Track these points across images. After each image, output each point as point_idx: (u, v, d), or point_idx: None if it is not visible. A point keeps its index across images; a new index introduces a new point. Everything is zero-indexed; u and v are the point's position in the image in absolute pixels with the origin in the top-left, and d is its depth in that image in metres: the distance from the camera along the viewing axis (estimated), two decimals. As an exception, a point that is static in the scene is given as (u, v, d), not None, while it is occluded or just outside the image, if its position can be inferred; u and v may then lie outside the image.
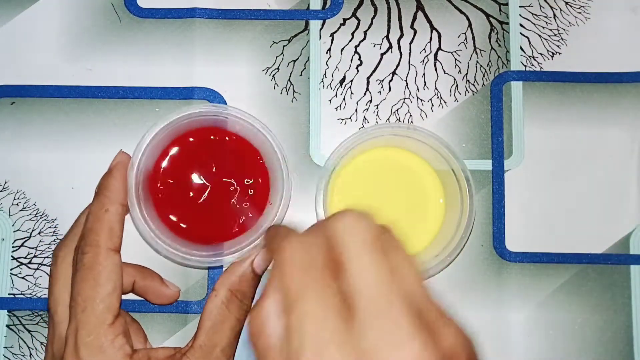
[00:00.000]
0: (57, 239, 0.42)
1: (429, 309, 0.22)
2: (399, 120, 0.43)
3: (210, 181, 0.40)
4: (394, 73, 0.44)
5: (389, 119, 0.43)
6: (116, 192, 0.36)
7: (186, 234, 0.39)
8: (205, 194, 0.40)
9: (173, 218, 0.39)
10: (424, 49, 0.44)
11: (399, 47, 0.44)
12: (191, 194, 0.40)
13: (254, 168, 0.40)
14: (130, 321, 0.38)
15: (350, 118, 0.43)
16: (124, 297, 0.36)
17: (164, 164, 0.40)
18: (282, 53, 0.44)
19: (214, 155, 0.40)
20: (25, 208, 0.42)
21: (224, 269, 0.41)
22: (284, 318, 0.23)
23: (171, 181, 0.40)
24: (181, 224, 0.40)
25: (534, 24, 0.44)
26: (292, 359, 0.22)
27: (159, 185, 0.40)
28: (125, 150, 0.38)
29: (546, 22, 0.44)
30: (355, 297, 0.22)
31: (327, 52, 0.44)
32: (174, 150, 0.40)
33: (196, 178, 0.40)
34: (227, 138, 0.40)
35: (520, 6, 0.44)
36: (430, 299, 0.23)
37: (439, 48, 0.44)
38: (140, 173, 0.38)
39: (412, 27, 0.44)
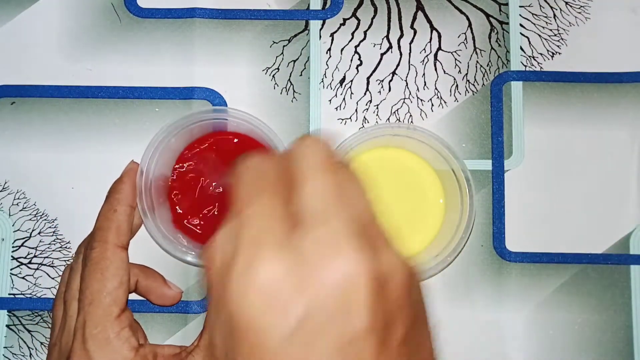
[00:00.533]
0: (57, 239, 0.42)
1: (372, 229, 0.22)
2: (399, 120, 0.43)
3: (223, 184, 0.40)
4: (394, 73, 0.44)
5: (389, 119, 0.43)
6: (124, 194, 0.37)
7: (202, 238, 0.40)
8: (218, 190, 0.40)
9: (189, 223, 0.40)
10: (424, 49, 0.44)
11: (399, 47, 0.44)
12: (204, 197, 0.40)
13: None
14: (133, 317, 0.39)
15: (350, 118, 0.43)
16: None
17: (177, 169, 0.40)
18: (282, 53, 0.44)
19: (225, 158, 0.40)
20: (25, 208, 0.42)
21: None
22: (234, 225, 0.22)
23: (184, 187, 0.40)
24: (197, 229, 0.40)
25: (534, 24, 0.44)
26: (227, 259, 0.21)
27: (172, 191, 0.40)
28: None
29: (546, 22, 0.44)
30: (301, 210, 0.22)
31: (327, 52, 0.44)
32: (185, 156, 0.40)
33: (209, 182, 0.40)
34: (235, 140, 0.40)
35: (520, 6, 0.44)
36: (374, 221, 0.23)
37: (439, 48, 0.44)
38: (152, 180, 0.38)
39: (412, 27, 0.44)
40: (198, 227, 0.39)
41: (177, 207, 0.40)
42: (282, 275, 0.21)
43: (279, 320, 0.21)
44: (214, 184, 0.40)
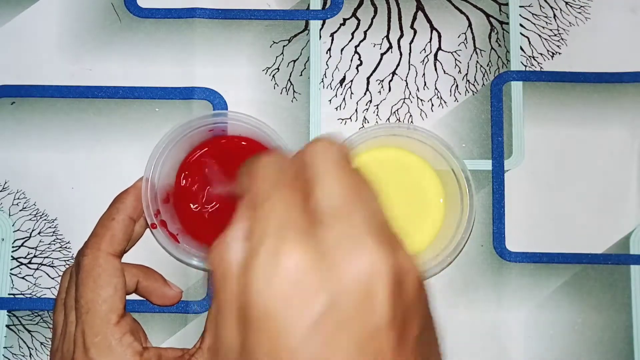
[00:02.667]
0: (57, 239, 0.42)
1: (387, 228, 0.23)
2: (399, 120, 0.43)
3: (227, 189, 0.40)
4: (394, 73, 0.44)
5: (389, 119, 0.43)
6: (125, 204, 0.37)
7: (207, 241, 0.39)
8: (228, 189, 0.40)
9: (194, 228, 0.40)
10: (424, 49, 0.44)
11: (399, 47, 0.44)
12: (211, 203, 0.40)
13: None
14: (133, 320, 0.38)
15: (350, 118, 0.43)
16: (124, 297, 0.36)
17: (181, 176, 0.40)
18: (282, 53, 0.44)
19: (227, 161, 0.40)
20: (25, 208, 0.42)
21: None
22: (249, 221, 0.22)
23: (189, 193, 0.40)
24: (202, 233, 0.40)
25: (534, 24, 0.44)
26: (250, 257, 0.21)
27: (177, 197, 0.40)
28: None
29: (546, 22, 0.44)
30: (320, 207, 0.22)
31: (327, 52, 0.44)
32: (188, 162, 0.40)
33: (213, 187, 0.40)
34: (241, 143, 0.40)
35: (520, 6, 0.44)
36: (389, 222, 0.23)
37: (439, 48, 0.44)
38: (157, 188, 0.38)
39: (412, 27, 0.44)
40: (203, 231, 0.39)
41: (182, 213, 0.40)
42: (306, 266, 0.21)
43: (303, 312, 0.21)
44: (218, 188, 0.40)
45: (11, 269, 0.42)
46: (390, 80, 0.44)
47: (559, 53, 0.44)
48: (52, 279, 0.42)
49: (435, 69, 0.44)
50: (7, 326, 0.41)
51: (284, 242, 0.21)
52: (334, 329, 0.21)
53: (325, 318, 0.21)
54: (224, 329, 0.23)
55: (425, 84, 0.44)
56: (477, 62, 0.44)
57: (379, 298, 0.21)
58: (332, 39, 0.44)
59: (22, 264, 0.42)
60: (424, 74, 0.44)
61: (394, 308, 0.21)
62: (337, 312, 0.21)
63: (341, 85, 0.44)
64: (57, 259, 0.42)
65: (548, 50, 0.44)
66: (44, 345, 0.41)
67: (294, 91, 0.43)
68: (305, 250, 0.21)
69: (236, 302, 0.22)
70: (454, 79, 0.44)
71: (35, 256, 0.42)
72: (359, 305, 0.21)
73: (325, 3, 0.44)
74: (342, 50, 0.44)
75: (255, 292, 0.21)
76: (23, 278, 0.42)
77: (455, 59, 0.44)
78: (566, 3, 0.45)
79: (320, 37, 0.44)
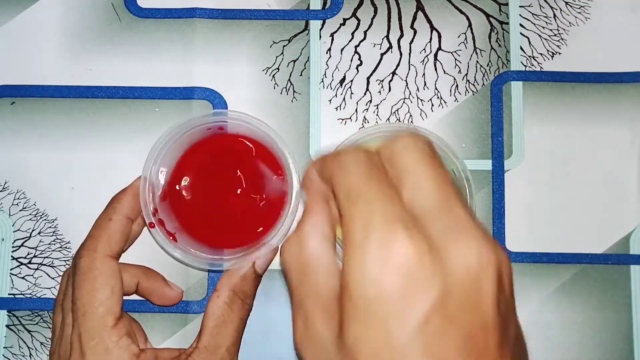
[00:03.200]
0: (57, 239, 0.42)
1: (480, 222, 0.23)
2: (399, 120, 0.43)
3: (231, 188, 0.40)
4: (394, 73, 0.44)
5: (389, 119, 0.43)
6: (122, 204, 0.37)
7: (206, 241, 0.39)
8: (232, 186, 0.40)
9: (193, 227, 0.40)
10: (424, 49, 0.44)
11: (399, 47, 0.44)
12: (211, 202, 0.40)
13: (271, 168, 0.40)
14: (131, 321, 0.38)
15: (350, 118, 0.43)
16: (125, 297, 0.36)
17: (180, 175, 0.40)
18: (282, 53, 0.44)
19: (227, 161, 0.40)
20: (25, 208, 0.42)
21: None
22: (344, 210, 0.22)
23: (188, 192, 0.40)
24: (201, 232, 0.40)
25: (534, 24, 0.44)
26: (354, 248, 0.21)
27: (175, 197, 0.40)
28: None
29: (546, 22, 0.44)
30: (418, 202, 0.22)
31: (327, 52, 0.44)
32: (187, 161, 0.40)
33: (215, 186, 0.40)
34: (247, 143, 0.40)
35: (520, 6, 0.44)
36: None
37: (439, 48, 0.44)
38: (155, 187, 0.38)
39: (412, 27, 0.44)
40: (201, 230, 0.39)
41: (179, 212, 0.39)
42: (417, 258, 0.21)
43: (415, 305, 0.20)
44: (217, 187, 0.40)
45: (11, 269, 0.42)
46: (390, 80, 0.44)
47: (559, 53, 0.44)
48: (52, 279, 0.42)
49: (435, 69, 0.44)
50: (7, 326, 0.41)
51: (393, 234, 0.21)
52: (443, 323, 0.20)
53: (435, 312, 0.20)
54: (312, 323, 0.23)
55: (425, 84, 0.44)
56: (477, 62, 0.44)
57: (485, 291, 0.21)
58: (332, 39, 0.44)
59: (22, 264, 0.42)
60: (424, 74, 0.44)
61: (499, 304, 0.21)
62: (447, 306, 0.20)
63: (341, 85, 0.44)
64: (57, 259, 0.42)
65: (548, 50, 0.44)
66: (44, 345, 0.41)
67: (294, 91, 0.43)
68: (414, 242, 0.21)
69: (325, 294, 0.22)
70: (454, 79, 0.44)
71: (35, 256, 0.42)
72: (467, 299, 0.21)
73: (325, 3, 0.44)
74: (342, 50, 0.44)
75: (363, 283, 0.21)
76: (23, 278, 0.42)
77: (455, 59, 0.44)
78: (566, 3, 0.45)
79: (320, 37, 0.44)
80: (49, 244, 0.42)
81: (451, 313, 0.20)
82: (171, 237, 0.38)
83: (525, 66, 0.44)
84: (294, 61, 0.44)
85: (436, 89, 0.44)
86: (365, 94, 0.43)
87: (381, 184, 0.23)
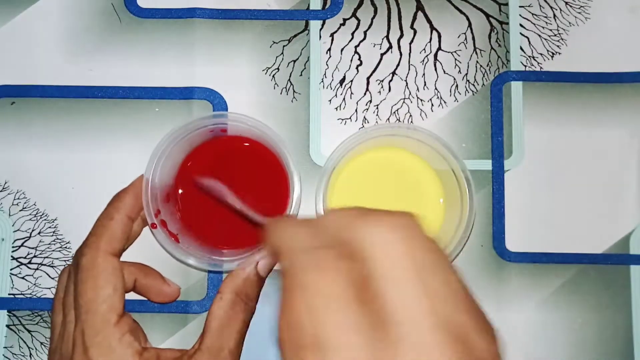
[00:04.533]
0: (57, 239, 0.42)
1: (462, 322, 0.21)
2: (399, 120, 0.43)
3: (233, 189, 0.40)
4: (394, 73, 0.44)
5: (389, 119, 0.43)
6: (124, 203, 0.37)
7: (207, 242, 0.39)
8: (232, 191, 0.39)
9: (195, 229, 0.40)
10: (424, 49, 0.44)
11: (399, 47, 0.44)
12: (213, 204, 0.40)
13: (272, 170, 0.40)
14: (132, 320, 0.38)
15: (350, 118, 0.43)
16: (124, 296, 0.36)
17: (181, 177, 0.40)
18: (282, 53, 0.44)
19: (228, 162, 0.40)
20: (25, 208, 0.42)
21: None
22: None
23: (189, 194, 0.40)
24: (206, 234, 0.40)
25: (534, 24, 0.44)
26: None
27: (177, 199, 0.40)
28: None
29: (546, 22, 0.44)
30: (389, 316, 0.21)
31: (327, 52, 0.44)
32: (188, 163, 0.40)
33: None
34: (245, 144, 0.40)
35: (520, 6, 0.44)
36: (461, 309, 0.21)
37: (439, 48, 0.44)
38: (157, 189, 0.38)
39: (412, 27, 0.44)
40: (203, 231, 0.39)
41: (182, 213, 0.40)
42: None
43: None
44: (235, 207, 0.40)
45: (11, 269, 0.42)
46: (390, 80, 0.44)
47: (559, 53, 0.44)
48: (52, 279, 0.42)
49: (435, 69, 0.44)
50: (7, 326, 0.41)
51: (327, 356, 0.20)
52: None
53: None
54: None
55: (425, 84, 0.44)
56: (477, 62, 0.44)
57: None
58: (332, 39, 0.44)
59: (22, 264, 0.42)
60: (424, 74, 0.44)
61: None
62: None
63: (341, 85, 0.44)
64: (57, 259, 0.42)
65: (548, 50, 0.44)
66: (44, 345, 0.41)
67: (294, 91, 0.43)
68: None
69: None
70: (454, 79, 0.44)
71: (35, 256, 0.42)
72: None
73: (325, 3, 0.44)
74: (342, 50, 0.44)
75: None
76: (23, 278, 0.42)
77: (455, 59, 0.44)
78: (566, 3, 0.45)
79: (320, 37, 0.44)
80: (49, 244, 0.42)
81: None
82: (173, 238, 0.38)
83: (525, 66, 0.44)
84: (294, 61, 0.44)
85: (436, 89, 0.44)
86: (365, 94, 0.43)
87: (331, 273, 0.22)
